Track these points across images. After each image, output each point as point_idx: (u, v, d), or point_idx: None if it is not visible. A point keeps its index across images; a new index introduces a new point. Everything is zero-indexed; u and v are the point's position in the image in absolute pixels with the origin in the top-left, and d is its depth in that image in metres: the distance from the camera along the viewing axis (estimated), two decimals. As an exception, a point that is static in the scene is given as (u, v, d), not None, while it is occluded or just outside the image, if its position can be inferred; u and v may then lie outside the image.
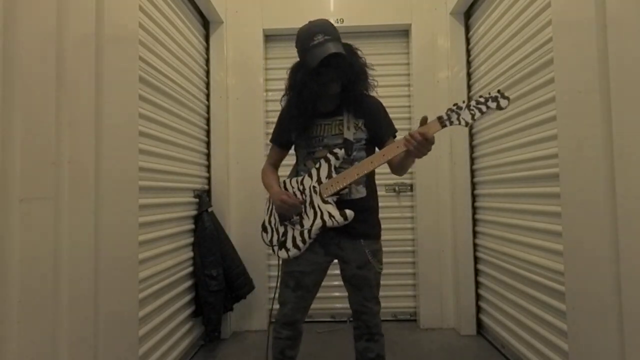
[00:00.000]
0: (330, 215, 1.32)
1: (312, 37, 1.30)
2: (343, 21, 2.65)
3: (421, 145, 1.15)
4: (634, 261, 1.09)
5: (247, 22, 2.68)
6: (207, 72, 2.58)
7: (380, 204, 1.50)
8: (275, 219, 1.47)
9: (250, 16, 2.68)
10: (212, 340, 2.26)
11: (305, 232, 1.36)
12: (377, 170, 1.37)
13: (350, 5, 2.69)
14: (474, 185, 2.49)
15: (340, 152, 1.34)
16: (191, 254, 2.19)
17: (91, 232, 1.17)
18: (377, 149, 1.43)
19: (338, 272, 1.47)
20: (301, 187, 1.40)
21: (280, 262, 1.47)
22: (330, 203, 1.34)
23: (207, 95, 2.57)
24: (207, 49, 2.59)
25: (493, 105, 1.13)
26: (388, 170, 1.45)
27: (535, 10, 1.71)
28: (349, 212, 1.30)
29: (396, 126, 1.48)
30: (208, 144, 2.56)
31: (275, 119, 2.70)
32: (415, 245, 2.68)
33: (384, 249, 1.47)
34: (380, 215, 1.49)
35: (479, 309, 2.47)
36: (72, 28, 1.11)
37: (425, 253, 2.61)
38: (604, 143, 1.17)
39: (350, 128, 1.38)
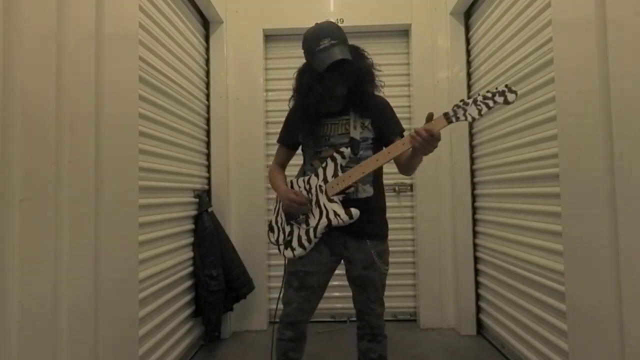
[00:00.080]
0: (336, 214, 1.31)
1: (318, 41, 1.29)
2: (343, 21, 2.65)
3: (427, 141, 1.14)
4: (634, 261, 1.09)
5: (247, 22, 2.68)
6: (207, 72, 2.58)
7: None
8: (282, 218, 1.47)
9: (250, 16, 2.68)
10: (212, 340, 2.26)
11: (311, 231, 1.36)
12: (382, 170, 1.36)
13: (350, 5, 2.69)
14: (474, 185, 2.49)
15: (347, 151, 1.34)
16: (191, 254, 2.19)
17: (91, 232, 1.17)
18: (384, 148, 1.42)
19: (340, 271, 1.47)
20: (308, 187, 1.40)
21: (286, 262, 1.46)
22: (335, 202, 1.33)
23: (207, 95, 2.57)
24: (207, 49, 2.59)
25: (500, 99, 1.11)
26: (390, 170, 1.45)
27: (535, 10, 1.71)
28: (355, 211, 1.30)
29: (398, 127, 1.48)
30: (208, 144, 2.56)
31: (275, 119, 2.75)
32: (415, 245, 2.68)
33: None
34: (381, 215, 1.49)
35: (479, 309, 2.47)
36: (72, 28, 1.11)
37: (425, 253, 2.61)
38: (604, 143, 1.17)
39: (356, 127, 1.38)
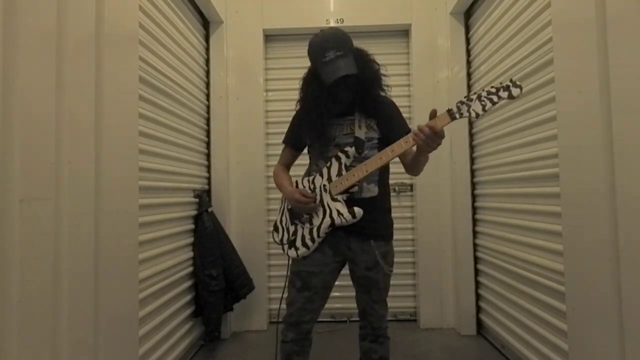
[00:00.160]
0: (339, 213, 1.30)
1: (323, 52, 1.27)
2: (343, 21, 2.65)
3: (430, 139, 1.12)
4: (634, 261, 1.09)
5: (247, 22, 2.68)
6: (207, 72, 2.58)
7: None
8: (286, 218, 1.47)
9: (250, 16, 2.68)
10: (212, 340, 2.26)
11: (314, 230, 1.35)
12: (388, 170, 1.35)
13: (350, 5, 2.69)
14: (474, 185, 2.49)
15: (351, 150, 1.33)
16: (191, 254, 2.19)
17: (91, 232, 1.17)
18: None
19: (341, 271, 1.46)
20: (312, 186, 1.40)
21: (290, 262, 1.46)
22: (339, 201, 1.33)
23: (207, 95, 2.57)
24: (207, 49, 2.59)
25: (505, 94, 1.08)
26: (391, 170, 1.45)
27: (535, 11, 1.71)
28: (358, 210, 1.29)
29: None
30: (208, 144, 2.56)
31: (275, 119, 2.75)
32: (415, 245, 2.68)
33: None
34: (381, 215, 1.48)
35: (479, 309, 2.47)
36: (72, 28, 1.11)
37: (425, 253, 2.61)
38: (604, 143, 1.17)
39: (361, 127, 1.37)
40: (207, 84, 2.57)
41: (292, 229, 1.43)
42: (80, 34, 1.15)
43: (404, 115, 1.48)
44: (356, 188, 1.34)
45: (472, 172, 2.49)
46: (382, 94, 1.41)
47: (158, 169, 1.82)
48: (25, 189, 0.94)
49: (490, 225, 2.26)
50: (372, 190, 1.37)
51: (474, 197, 2.49)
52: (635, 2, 1.08)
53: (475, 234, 2.48)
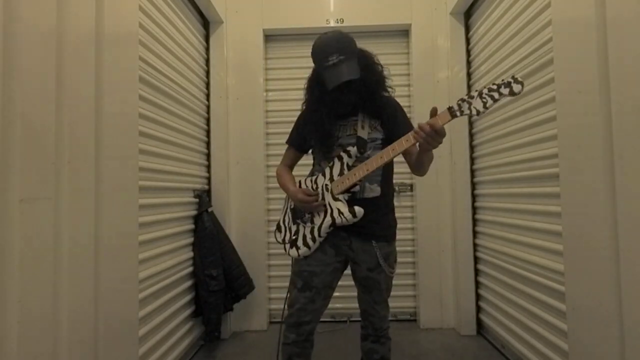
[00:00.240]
0: (340, 213, 1.30)
1: (326, 56, 1.27)
2: (343, 21, 2.65)
3: (430, 137, 1.12)
4: (634, 261, 1.09)
5: (247, 22, 2.68)
6: (207, 72, 2.58)
7: None
8: (289, 217, 1.47)
9: (250, 16, 2.68)
10: (212, 340, 2.26)
11: (315, 229, 1.35)
12: (392, 170, 1.34)
13: (350, 5, 2.69)
14: (474, 185, 2.49)
15: (353, 150, 1.33)
16: (191, 254, 2.19)
17: (91, 232, 1.17)
18: None
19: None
20: (315, 186, 1.40)
21: (292, 262, 1.46)
22: (340, 200, 1.32)
23: (207, 95, 2.57)
24: (207, 49, 2.59)
25: (506, 91, 1.06)
26: (395, 170, 1.45)
27: (535, 10, 1.71)
28: (358, 209, 1.28)
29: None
30: (208, 144, 2.56)
31: (275, 119, 2.75)
32: (415, 245, 2.68)
33: None
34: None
35: (479, 309, 2.47)
36: (72, 28, 1.11)
37: (425, 253, 2.61)
38: (604, 143, 1.17)
39: (364, 127, 1.37)
40: (207, 84, 2.57)
41: (294, 228, 1.44)
42: (80, 34, 1.15)
43: (404, 115, 1.48)
44: (357, 188, 1.34)
45: (472, 172, 2.49)
46: (386, 94, 1.41)
47: (158, 169, 1.82)
48: (25, 189, 0.94)
49: (490, 225, 2.26)
50: (374, 190, 1.37)
51: (474, 197, 2.49)
52: (635, 2, 1.08)
53: (475, 234, 2.47)
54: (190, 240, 2.20)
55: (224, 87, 2.61)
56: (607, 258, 1.16)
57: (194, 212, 2.25)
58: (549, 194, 1.63)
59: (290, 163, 1.57)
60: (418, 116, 2.60)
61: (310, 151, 1.54)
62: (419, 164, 1.33)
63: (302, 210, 1.41)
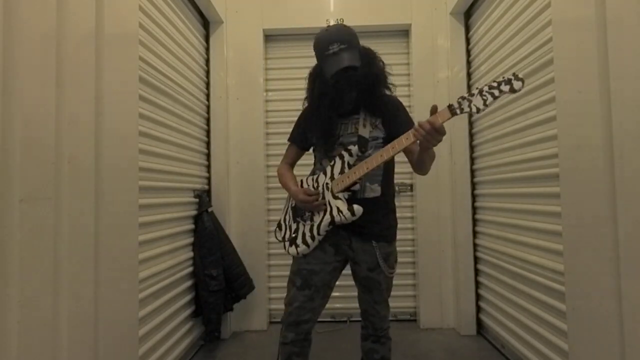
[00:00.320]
0: (339, 211, 1.29)
1: (327, 45, 1.27)
2: (343, 21, 2.64)
3: (430, 134, 1.11)
4: (634, 261, 1.09)
5: (247, 22, 2.68)
6: (207, 72, 2.58)
7: None
8: (289, 216, 1.47)
9: (250, 16, 2.68)
10: (212, 340, 2.26)
11: (315, 228, 1.35)
12: (393, 170, 1.34)
13: (350, 5, 2.69)
14: (474, 185, 2.49)
15: (354, 149, 1.32)
16: (191, 254, 2.19)
17: (91, 232, 1.17)
18: None
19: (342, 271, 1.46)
20: (316, 185, 1.40)
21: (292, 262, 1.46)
22: (340, 199, 1.32)
23: (207, 95, 2.57)
24: (207, 49, 2.59)
25: (506, 88, 1.05)
26: (395, 170, 1.45)
27: (535, 10, 1.71)
28: (357, 208, 1.27)
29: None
30: (208, 144, 2.56)
31: (275, 119, 2.75)
32: (415, 245, 2.68)
33: None
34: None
35: (479, 309, 2.47)
36: (72, 28, 1.11)
37: (425, 253, 2.61)
38: (604, 143, 1.17)
39: (366, 126, 1.37)
40: (207, 84, 2.57)
41: (294, 226, 1.44)
42: (80, 34, 1.15)
43: (404, 115, 1.47)
44: (358, 186, 1.34)
45: (472, 172, 2.49)
46: (388, 92, 1.40)
47: (158, 169, 1.82)
48: (25, 189, 0.94)
49: (490, 225, 2.26)
50: (375, 190, 1.37)
51: (474, 197, 2.49)
52: (635, 2, 1.08)
53: (475, 234, 2.47)
54: (190, 240, 2.20)
55: (224, 87, 2.61)
56: (607, 258, 1.16)
57: (194, 212, 2.25)
58: (549, 194, 1.63)
59: (291, 161, 1.56)
60: (418, 116, 2.60)
61: (311, 149, 1.53)
62: (420, 162, 1.32)
63: (305, 209, 1.41)
